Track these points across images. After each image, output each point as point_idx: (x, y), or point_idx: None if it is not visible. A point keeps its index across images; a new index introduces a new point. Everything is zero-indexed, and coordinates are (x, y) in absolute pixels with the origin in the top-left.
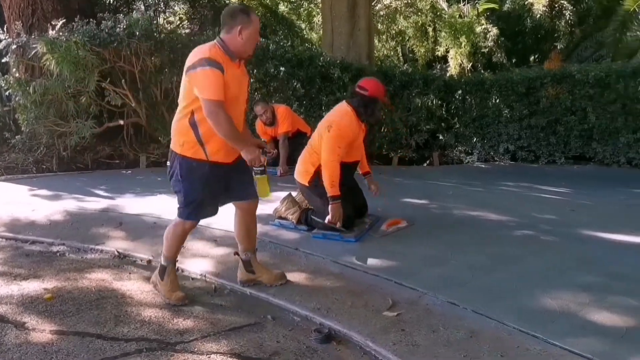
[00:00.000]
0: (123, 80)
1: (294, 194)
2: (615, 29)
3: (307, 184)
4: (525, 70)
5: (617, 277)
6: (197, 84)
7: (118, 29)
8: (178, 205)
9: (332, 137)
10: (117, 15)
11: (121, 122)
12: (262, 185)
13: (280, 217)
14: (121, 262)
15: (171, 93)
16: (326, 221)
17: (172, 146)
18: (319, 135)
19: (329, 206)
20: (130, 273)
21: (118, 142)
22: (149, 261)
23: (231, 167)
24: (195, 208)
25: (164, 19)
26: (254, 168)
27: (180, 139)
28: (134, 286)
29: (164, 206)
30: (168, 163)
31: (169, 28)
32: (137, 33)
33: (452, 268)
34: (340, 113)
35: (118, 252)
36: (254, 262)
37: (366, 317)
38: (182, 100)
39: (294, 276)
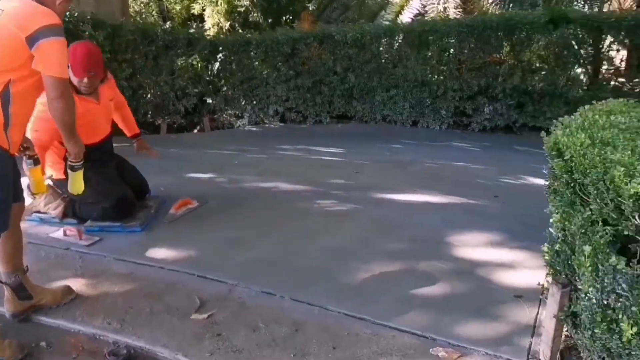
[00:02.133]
0: None
1: (51, 182)
2: None
3: None
4: (289, 31)
5: (419, 241)
6: (50, 57)
7: None
8: None
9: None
10: None
11: None
12: (37, 178)
13: (39, 212)
14: None
15: None
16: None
17: None
18: None
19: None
20: None
21: None
22: None
23: None
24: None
25: None
26: (28, 160)
27: None
28: None
29: None
30: None
31: None
32: None
33: (259, 251)
34: None
35: None
36: (28, 283)
37: (172, 325)
38: None
39: (69, 285)
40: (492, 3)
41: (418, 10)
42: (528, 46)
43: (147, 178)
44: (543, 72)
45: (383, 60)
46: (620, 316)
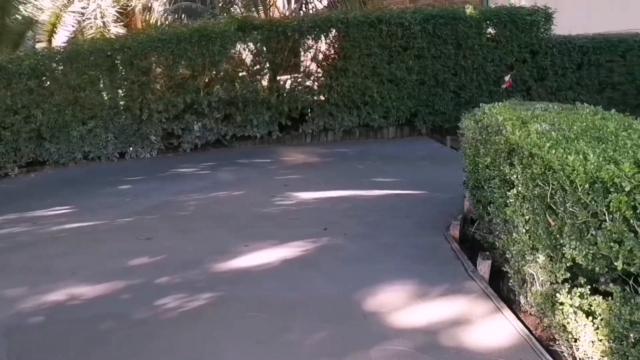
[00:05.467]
0: None
1: None
2: None
3: None
4: None
5: None
6: None
7: None
8: None
9: None
10: None
11: None
12: None
13: None
14: None
15: None
16: None
17: None
18: None
19: None
20: None
21: None
22: None
23: None
24: None
25: None
26: None
27: None
28: None
29: None
30: None
31: None
32: None
33: None
34: None
35: None
36: None
37: None
38: None
39: None
40: (164, 15)
41: (74, 27)
42: (224, 55)
43: None
44: (242, 81)
45: (72, 90)
46: None
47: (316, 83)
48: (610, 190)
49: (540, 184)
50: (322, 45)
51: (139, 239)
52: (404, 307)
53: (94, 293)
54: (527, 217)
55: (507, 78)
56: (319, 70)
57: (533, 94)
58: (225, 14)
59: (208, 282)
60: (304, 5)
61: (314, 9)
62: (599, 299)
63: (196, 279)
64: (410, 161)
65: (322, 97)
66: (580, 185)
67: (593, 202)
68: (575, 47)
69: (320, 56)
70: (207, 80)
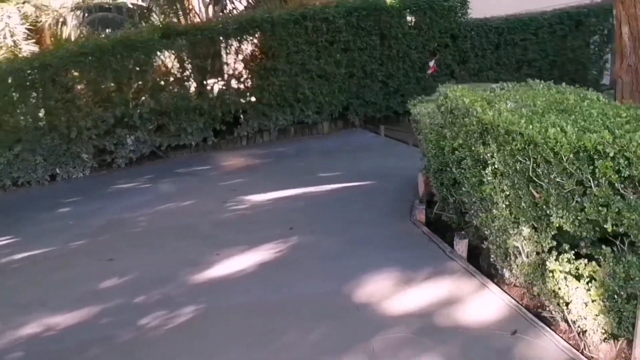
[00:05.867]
0: None
1: None
2: None
3: None
4: None
5: None
6: None
7: None
8: None
9: None
10: None
11: None
12: None
13: None
14: None
15: None
16: None
17: None
18: None
19: None
20: None
21: None
22: None
23: None
24: None
25: None
26: None
27: None
28: None
29: None
30: None
31: None
32: None
33: None
34: None
35: None
36: None
37: None
38: None
39: None
40: (79, 28)
41: None
42: (151, 64)
43: None
44: (172, 89)
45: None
46: None
47: (247, 84)
48: (594, 157)
49: (520, 159)
50: (250, 46)
51: (100, 261)
52: (393, 294)
53: (71, 320)
54: (507, 193)
55: (431, 64)
56: (249, 71)
57: (457, 77)
58: (144, 23)
59: (188, 295)
60: (224, 8)
61: (234, 10)
62: (584, 262)
63: (175, 293)
64: (348, 153)
65: (254, 99)
66: (565, 156)
67: (578, 171)
68: (492, 28)
69: (249, 57)
70: (135, 92)
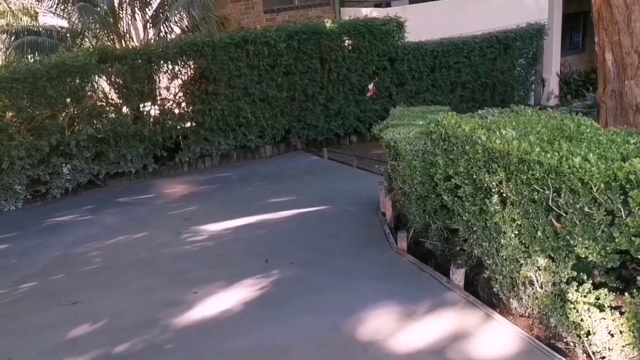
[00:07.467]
0: None
1: None
2: None
3: None
4: None
5: None
6: None
7: None
8: None
9: None
10: None
11: None
12: None
13: None
14: None
15: None
16: None
17: None
18: None
19: None
20: None
21: None
22: None
23: None
24: None
25: None
26: None
27: None
28: None
29: None
30: None
31: None
32: None
33: None
34: None
35: None
36: None
37: None
38: None
39: None
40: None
41: None
42: (88, 90)
43: None
44: (111, 114)
45: None
46: None
47: (188, 109)
48: (626, 187)
49: (538, 188)
50: (191, 70)
51: (62, 305)
52: (398, 330)
53: None
54: (518, 222)
55: (370, 86)
56: (190, 96)
57: (395, 99)
58: (76, 47)
59: (176, 341)
60: (159, 32)
61: (171, 33)
62: (604, 291)
63: (160, 340)
64: (294, 177)
65: (195, 123)
66: (595, 186)
67: (609, 201)
68: (427, 52)
69: (190, 81)
70: (71, 118)
